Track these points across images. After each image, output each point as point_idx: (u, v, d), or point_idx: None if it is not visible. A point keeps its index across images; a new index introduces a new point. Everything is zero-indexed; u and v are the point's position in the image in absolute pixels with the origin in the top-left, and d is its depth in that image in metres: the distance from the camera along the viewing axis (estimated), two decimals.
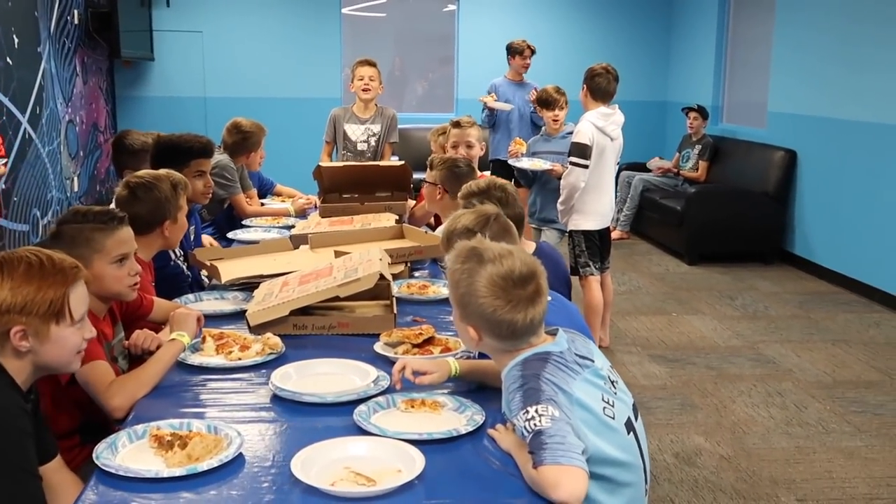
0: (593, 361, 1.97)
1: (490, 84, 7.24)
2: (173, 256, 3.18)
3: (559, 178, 5.11)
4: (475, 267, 1.93)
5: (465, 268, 1.94)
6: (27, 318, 1.88)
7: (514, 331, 1.90)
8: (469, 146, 4.61)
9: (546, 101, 5.44)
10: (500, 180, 3.22)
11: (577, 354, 1.95)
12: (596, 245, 5.02)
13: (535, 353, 1.91)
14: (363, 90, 5.45)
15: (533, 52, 7.36)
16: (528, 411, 1.76)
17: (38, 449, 1.88)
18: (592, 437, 1.82)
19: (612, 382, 1.99)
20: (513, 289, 1.89)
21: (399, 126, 5.65)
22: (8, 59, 6.92)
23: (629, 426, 1.95)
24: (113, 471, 1.78)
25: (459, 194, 3.15)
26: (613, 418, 1.90)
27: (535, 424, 1.73)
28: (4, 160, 4.47)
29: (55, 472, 1.95)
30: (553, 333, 2.00)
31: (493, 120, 7.00)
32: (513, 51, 7.34)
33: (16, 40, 7.05)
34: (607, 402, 1.90)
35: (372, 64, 5.51)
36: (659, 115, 10.10)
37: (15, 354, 1.89)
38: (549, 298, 1.99)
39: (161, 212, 2.89)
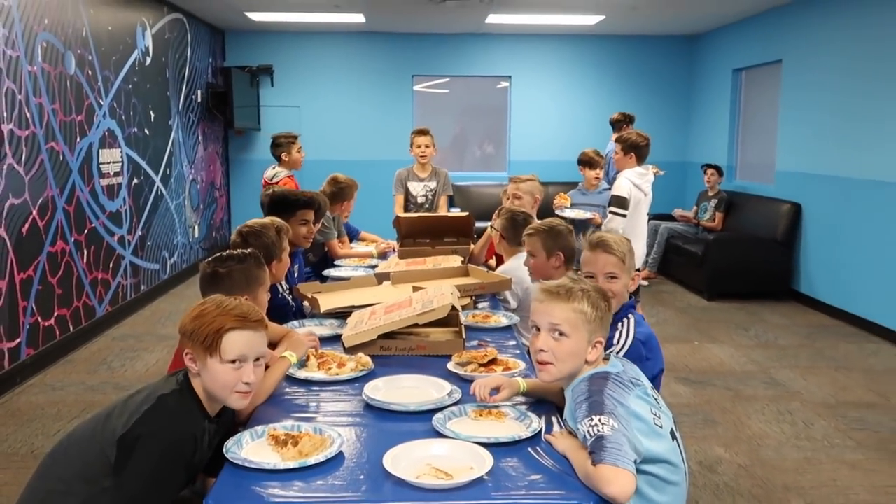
0: (641, 382, 1.99)
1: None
2: (281, 290, 3.26)
3: (597, 226, 5.13)
4: (588, 288, 2.01)
5: (582, 291, 1.99)
6: (192, 345, 1.95)
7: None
8: (517, 197, 4.65)
9: (589, 162, 5.51)
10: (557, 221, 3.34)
11: (630, 376, 1.97)
12: None
13: (597, 372, 1.94)
14: (421, 156, 5.62)
15: (632, 120, 7.47)
16: (592, 419, 1.79)
17: (215, 461, 1.92)
18: (646, 441, 1.84)
19: (656, 399, 2.01)
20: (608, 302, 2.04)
21: (460, 183, 5.71)
22: (146, 131, 7.23)
23: (672, 435, 1.96)
24: (239, 462, 1.83)
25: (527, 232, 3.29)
26: (661, 427, 1.92)
27: (598, 430, 1.76)
28: None
29: None
30: (607, 358, 2.03)
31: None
32: (616, 124, 7.51)
33: (152, 115, 7.36)
34: (655, 415, 1.92)
35: (426, 133, 5.64)
36: (681, 173, 10.04)
37: (195, 376, 1.95)
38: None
39: (269, 254, 2.92)
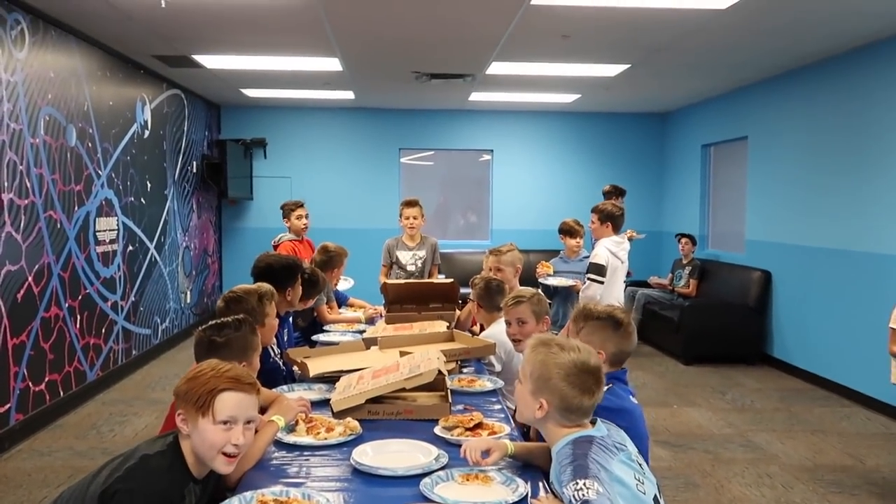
0: (626, 447, 1.95)
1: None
2: (272, 355, 3.22)
3: (577, 293, 5.14)
4: (558, 352, 1.94)
5: (551, 352, 1.95)
6: (184, 406, 1.92)
7: (579, 409, 1.92)
8: (499, 270, 4.63)
9: (570, 231, 5.55)
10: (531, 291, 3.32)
11: (614, 440, 1.93)
12: None
13: (581, 435, 1.90)
14: (409, 227, 5.60)
15: (623, 193, 7.58)
16: (577, 483, 1.74)
17: None
18: None
19: (640, 465, 1.96)
20: (586, 376, 1.92)
21: (444, 251, 5.70)
22: (142, 200, 7.23)
23: (656, 501, 1.91)
24: None
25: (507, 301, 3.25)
26: (645, 494, 1.86)
27: (583, 494, 1.71)
28: None
29: None
30: (594, 422, 1.98)
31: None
32: (607, 195, 7.64)
33: (149, 185, 7.38)
34: (639, 480, 1.87)
35: (415, 204, 5.63)
36: (656, 242, 10.14)
37: (185, 437, 1.92)
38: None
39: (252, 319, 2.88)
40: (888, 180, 5.74)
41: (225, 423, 1.91)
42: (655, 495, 1.92)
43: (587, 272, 4.92)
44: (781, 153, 7.26)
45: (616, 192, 7.70)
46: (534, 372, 1.96)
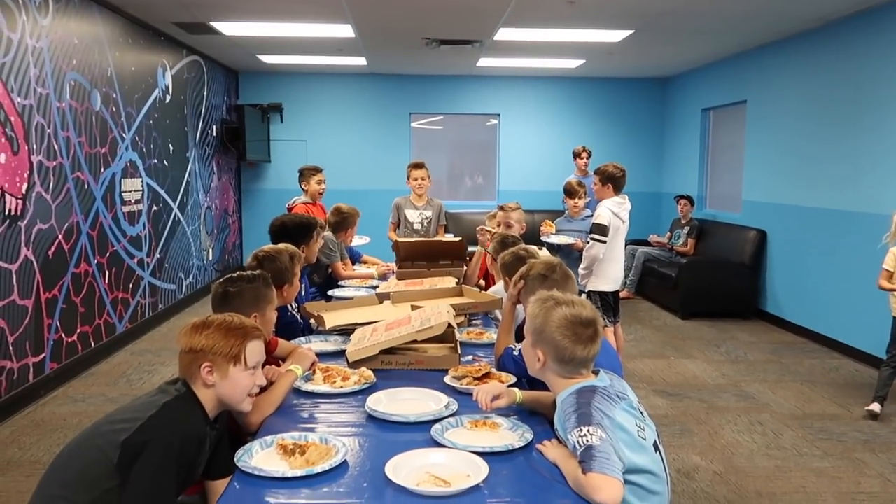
0: (628, 396, 1.94)
1: (566, 182, 5.73)
2: (290, 309, 3.21)
3: (579, 251, 5.10)
4: (553, 306, 1.93)
5: (546, 306, 1.94)
6: (213, 357, 1.91)
7: (573, 360, 1.90)
8: (508, 226, 4.62)
9: (571, 192, 5.50)
10: (531, 247, 3.27)
11: (616, 390, 1.92)
12: (609, 303, 4.96)
13: (585, 385, 1.89)
14: (417, 188, 5.58)
15: (589, 154, 7.69)
16: (581, 429, 1.74)
17: (217, 465, 1.93)
18: (629, 453, 1.78)
19: (641, 412, 1.95)
20: (579, 328, 1.90)
21: (453, 211, 5.65)
22: (165, 162, 7.20)
23: (655, 447, 1.91)
24: (249, 471, 1.78)
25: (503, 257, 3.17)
26: (645, 440, 1.86)
27: (587, 440, 1.71)
28: None
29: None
30: (596, 372, 1.97)
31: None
32: (575, 154, 7.74)
33: (171, 148, 7.33)
34: (640, 427, 1.87)
35: (421, 166, 5.60)
36: (655, 202, 10.06)
37: (205, 386, 1.92)
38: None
39: (281, 278, 2.85)
40: (883, 144, 5.64)
41: (253, 368, 1.97)
42: (655, 441, 1.92)
43: (590, 232, 4.87)
44: (779, 117, 7.14)
45: (583, 152, 7.87)
46: (532, 325, 1.96)
